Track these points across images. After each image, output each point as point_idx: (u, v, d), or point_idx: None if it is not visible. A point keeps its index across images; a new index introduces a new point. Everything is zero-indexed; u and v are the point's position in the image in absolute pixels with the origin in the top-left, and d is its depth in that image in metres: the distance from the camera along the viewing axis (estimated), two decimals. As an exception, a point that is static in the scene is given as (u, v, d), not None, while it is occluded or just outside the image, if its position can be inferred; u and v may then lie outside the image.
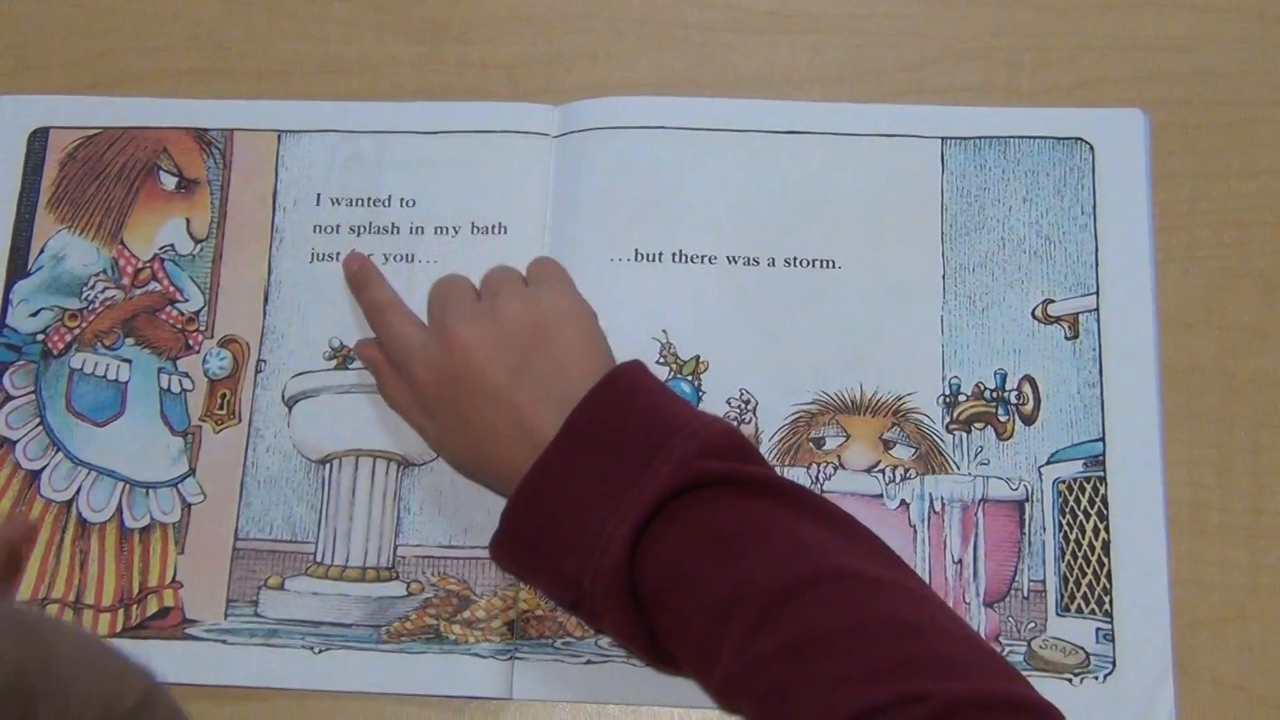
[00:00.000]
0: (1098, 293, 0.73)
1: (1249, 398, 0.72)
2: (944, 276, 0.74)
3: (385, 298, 0.73)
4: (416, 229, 0.76)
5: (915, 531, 0.70)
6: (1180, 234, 0.74)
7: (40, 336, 0.75)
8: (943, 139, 0.76)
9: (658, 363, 0.73)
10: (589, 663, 0.69)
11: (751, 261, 0.75)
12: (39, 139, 0.78)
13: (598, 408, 0.64)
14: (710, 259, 0.75)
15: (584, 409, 0.64)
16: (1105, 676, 0.67)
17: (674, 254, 0.75)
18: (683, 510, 0.61)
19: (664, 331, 0.74)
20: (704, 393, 0.73)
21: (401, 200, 0.77)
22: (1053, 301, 0.73)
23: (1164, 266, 0.74)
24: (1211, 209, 0.75)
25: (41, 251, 0.76)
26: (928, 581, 0.69)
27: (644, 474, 0.61)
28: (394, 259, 0.76)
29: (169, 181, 0.77)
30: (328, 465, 0.72)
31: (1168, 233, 0.74)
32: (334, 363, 0.74)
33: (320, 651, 0.69)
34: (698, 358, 0.73)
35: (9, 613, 0.36)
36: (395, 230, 0.76)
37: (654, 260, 0.75)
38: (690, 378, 0.73)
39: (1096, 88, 0.77)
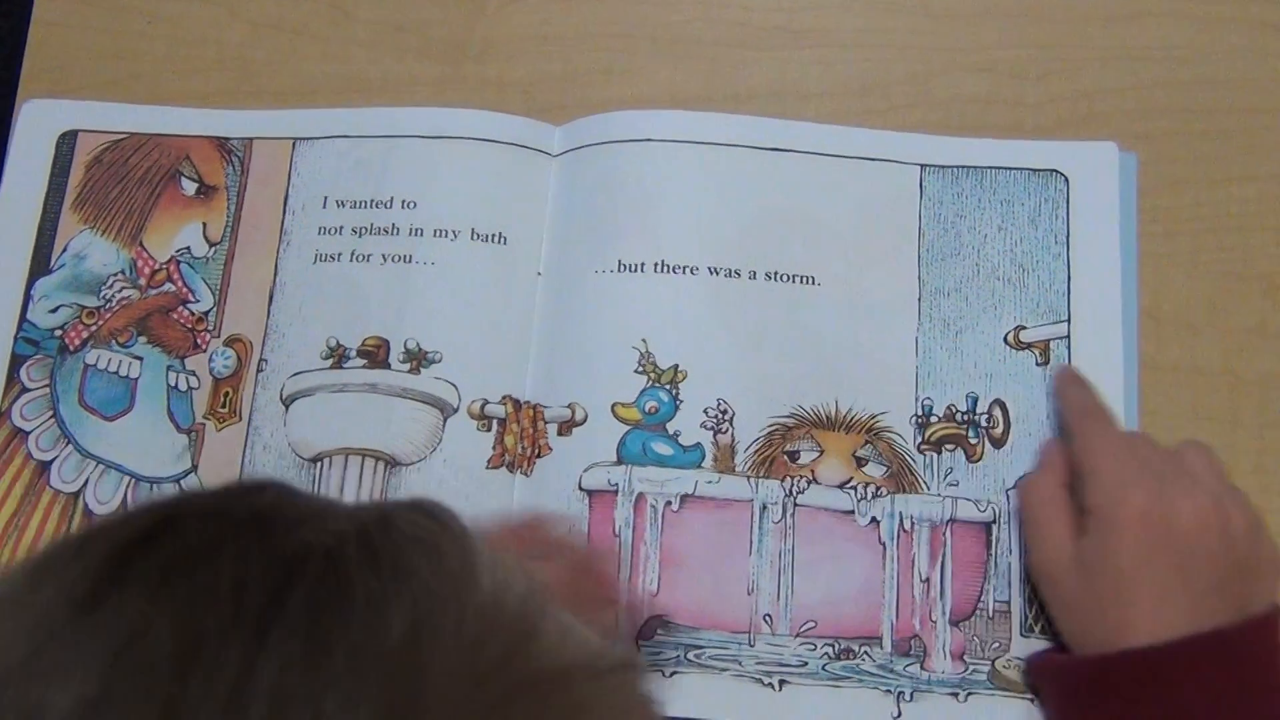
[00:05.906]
0: (1069, 320, 0.73)
1: (1254, 398, 0.73)
2: (920, 299, 0.74)
3: (1097, 404, 0.70)
4: (416, 230, 0.77)
5: (884, 549, 0.71)
6: (1184, 239, 0.75)
7: (58, 332, 0.77)
8: (922, 166, 0.76)
9: (636, 371, 0.74)
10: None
11: (733, 273, 0.75)
12: (67, 141, 0.80)
13: (1250, 636, 0.62)
14: (692, 270, 0.75)
15: (1241, 629, 0.62)
16: (1064, 699, 0.67)
17: (656, 264, 0.75)
18: None
19: (643, 340, 0.74)
20: (681, 402, 0.73)
21: (403, 202, 0.77)
22: (1025, 328, 0.73)
23: (1169, 271, 0.74)
24: (1214, 214, 0.75)
25: (64, 250, 0.78)
26: (895, 599, 0.70)
27: None
28: (392, 260, 0.76)
29: (189, 187, 0.79)
30: (318, 463, 0.74)
31: (1172, 238, 0.75)
32: (330, 362, 0.75)
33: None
34: (676, 367, 0.74)
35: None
36: (395, 231, 0.77)
37: (635, 271, 0.75)
38: (669, 386, 0.74)
39: (1101, 97, 0.78)
